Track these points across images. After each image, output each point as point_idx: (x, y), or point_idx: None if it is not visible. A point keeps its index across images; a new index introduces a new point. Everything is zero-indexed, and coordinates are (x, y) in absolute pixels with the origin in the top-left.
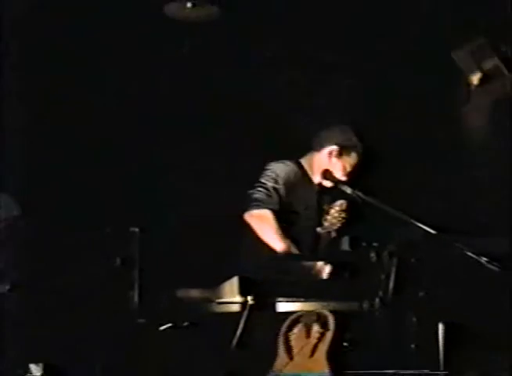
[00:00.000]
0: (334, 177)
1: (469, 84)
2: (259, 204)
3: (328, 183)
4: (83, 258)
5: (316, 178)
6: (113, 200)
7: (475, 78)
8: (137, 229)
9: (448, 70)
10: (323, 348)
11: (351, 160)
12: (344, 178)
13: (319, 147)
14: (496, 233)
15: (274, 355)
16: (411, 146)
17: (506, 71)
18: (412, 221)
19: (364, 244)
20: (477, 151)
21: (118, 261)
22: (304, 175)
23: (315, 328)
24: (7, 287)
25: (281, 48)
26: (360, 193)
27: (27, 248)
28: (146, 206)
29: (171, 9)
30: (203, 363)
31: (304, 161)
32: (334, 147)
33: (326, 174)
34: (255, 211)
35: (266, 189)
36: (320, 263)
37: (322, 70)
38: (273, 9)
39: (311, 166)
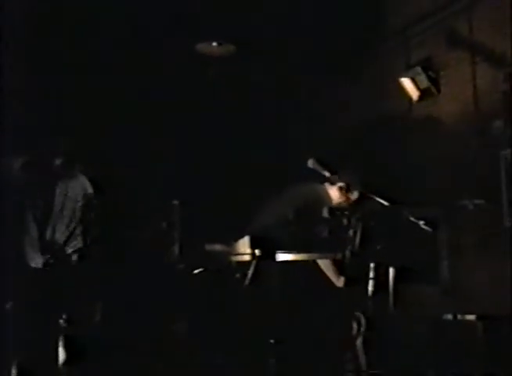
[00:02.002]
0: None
1: (410, 99)
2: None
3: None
4: (140, 223)
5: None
6: (160, 182)
7: (414, 96)
8: (177, 202)
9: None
10: None
11: (353, 196)
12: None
13: (333, 182)
14: (430, 203)
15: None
16: (372, 145)
17: (435, 91)
18: (372, 196)
19: (338, 212)
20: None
21: (164, 224)
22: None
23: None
24: (89, 240)
25: (278, 73)
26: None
27: (100, 215)
28: (184, 186)
29: (201, 47)
30: (224, 296)
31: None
32: (344, 184)
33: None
34: None
35: None
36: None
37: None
38: (274, 49)
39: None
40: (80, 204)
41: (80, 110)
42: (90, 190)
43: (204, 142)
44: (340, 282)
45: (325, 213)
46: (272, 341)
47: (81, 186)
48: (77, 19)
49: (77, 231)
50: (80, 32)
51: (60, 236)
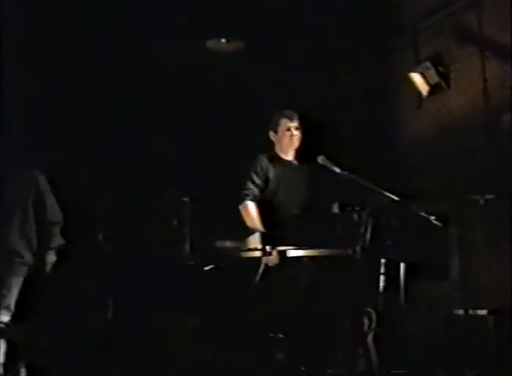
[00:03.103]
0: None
1: (420, 94)
2: (244, 197)
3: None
4: (152, 219)
5: (289, 156)
6: (171, 179)
7: (424, 91)
8: (188, 199)
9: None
10: None
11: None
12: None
13: (275, 127)
14: (441, 198)
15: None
16: (382, 139)
17: (444, 85)
18: (382, 191)
19: (349, 208)
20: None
21: (175, 221)
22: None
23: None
24: (100, 238)
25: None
26: (347, 172)
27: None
28: (194, 183)
29: (210, 44)
30: (235, 292)
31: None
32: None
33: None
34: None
35: (251, 182)
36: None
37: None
38: (281, 47)
39: (280, 147)
40: (31, 201)
41: (90, 107)
42: (44, 186)
43: (215, 138)
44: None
45: (335, 209)
46: (282, 336)
47: (31, 182)
48: (78, 19)
49: (32, 233)
50: (81, 32)
51: (14, 239)
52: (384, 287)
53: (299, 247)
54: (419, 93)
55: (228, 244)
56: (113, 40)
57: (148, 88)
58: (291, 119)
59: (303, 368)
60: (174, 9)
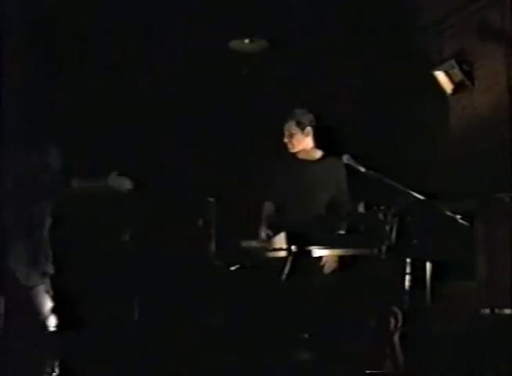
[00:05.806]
0: None
1: (444, 93)
2: None
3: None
4: (177, 220)
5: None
6: (196, 181)
7: (449, 89)
8: (213, 199)
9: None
10: None
11: (307, 133)
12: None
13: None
14: (466, 197)
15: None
16: (407, 138)
17: (469, 83)
18: (408, 190)
19: (375, 207)
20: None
21: (201, 222)
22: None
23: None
24: (127, 237)
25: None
26: (372, 172)
27: (140, 211)
28: (219, 184)
29: (234, 44)
30: (260, 292)
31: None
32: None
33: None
34: None
35: None
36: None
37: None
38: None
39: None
40: None
41: (110, 110)
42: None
43: (240, 138)
44: None
45: (361, 208)
46: (307, 336)
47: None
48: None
49: None
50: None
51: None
52: (410, 286)
53: (324, 247)
54: (443, 92)
55: (253, 243)
56: (128, 40)
57: (173, 88)
58: None
59: (328, 367)
60: (198, 10)
